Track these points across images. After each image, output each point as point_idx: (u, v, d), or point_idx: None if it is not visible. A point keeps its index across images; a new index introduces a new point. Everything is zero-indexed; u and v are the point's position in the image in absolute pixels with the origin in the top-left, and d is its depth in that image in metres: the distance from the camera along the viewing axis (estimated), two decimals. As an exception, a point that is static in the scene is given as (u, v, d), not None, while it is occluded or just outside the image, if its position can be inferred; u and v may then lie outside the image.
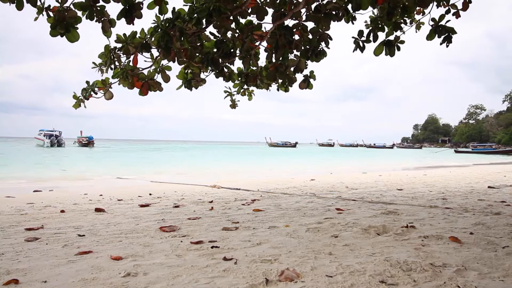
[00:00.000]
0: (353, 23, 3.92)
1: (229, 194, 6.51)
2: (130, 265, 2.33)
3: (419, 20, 4.47)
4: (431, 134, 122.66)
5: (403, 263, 2.24)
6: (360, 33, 4.15)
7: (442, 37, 4.05)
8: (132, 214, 4.45)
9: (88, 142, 48.11)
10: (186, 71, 4.32)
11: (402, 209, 4.54)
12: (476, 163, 24.83)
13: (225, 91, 5.07)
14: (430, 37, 4.09)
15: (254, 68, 4.60)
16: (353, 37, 4.15)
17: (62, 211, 4.62)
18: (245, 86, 4.98)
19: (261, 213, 4.42)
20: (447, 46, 4.10)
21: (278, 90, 4.82)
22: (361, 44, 4.17)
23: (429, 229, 3.33)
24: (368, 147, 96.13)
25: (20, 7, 3.07)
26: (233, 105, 5.18)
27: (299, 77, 4.52)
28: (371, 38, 4.11)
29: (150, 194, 6.53)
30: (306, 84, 4.49)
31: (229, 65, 4.29)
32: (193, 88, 4.44)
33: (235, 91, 5.08)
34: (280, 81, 4.60)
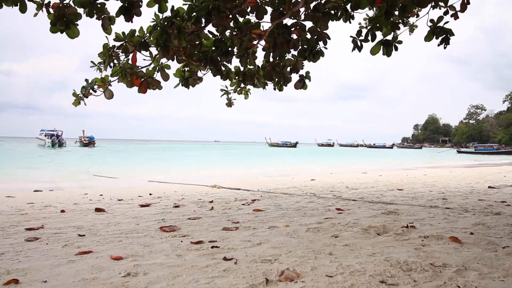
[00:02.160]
0: (350, 22, 3.92)
1: (229, 194, 6.51)
2: (130, 265, 2.33)
3: (413, 23, 4.47)
4: (431, 134, 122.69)
5: (403, 263, 2.24)
6: (359, 32, 4.15)
7: (440, 38, 4.05)
8: (132, 214, 4.45)
9: (89, 142, 48.13)
10: (183, 69, 4.33)
11: (402, 209, 4.54)
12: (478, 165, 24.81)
13: (222, 90, 5.08)
14: (428, 38, 4.09)
15: (251, 67, 4.60)
16: (351, 36, 4.15)
17: (62, 211, 4.62)
18: (242, 85, 4.99)
19: (261, 213, 4.42)
20: (445, 47, 4.10)
21: (274, 89, 4.83)
22: (359, 43, 4.17)
23: (429, 229, 3.32)
24: (368, 147, 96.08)
25: (23, 9, 3.06)
26: (229, 103, 5.19)
27: (295, 77, 4.53)
28: (369, 38, 4.11)
29: (150, 194, 6.53)
30: (301, 84, 4.49)
31: (226, 63, 4.29)
32: (190, 87, 4.44)
33: (231, 89, 5.09)
34: (276, 80, 4.60)
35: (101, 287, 1.96)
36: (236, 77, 4.78)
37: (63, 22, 3.16)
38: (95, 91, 3.94)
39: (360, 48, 4.18)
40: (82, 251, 2.67)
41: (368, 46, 4.23)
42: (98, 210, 4.69)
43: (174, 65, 4.12)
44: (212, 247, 2.75)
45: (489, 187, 7.63)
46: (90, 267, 2.29)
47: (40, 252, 2.68)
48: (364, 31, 4.16)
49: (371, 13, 4.17)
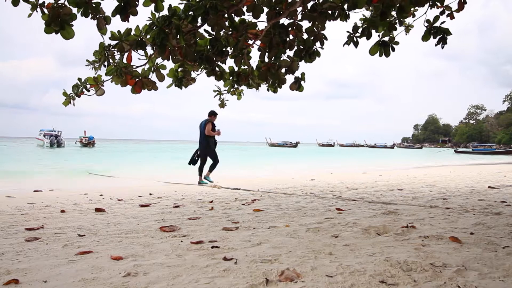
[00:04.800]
0: (346, 21, 3.93)
1: (229, 194, 6.51)
2: (130, 265, 2.33)
3: (409, 23, 4.48)
4: (431, 134, 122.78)
5: (403, 263, 2.24)
6: (355, 28, 4.16)
7: (437, 38, 4.06)
8: (133, 214, 4.45)
9: (88, 142, 48.22)
10: (177, 69, 4.33)
11: (402, 209, 4.54)
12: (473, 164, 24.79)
13: (215, 91, 5.08)
14: (425, 38, 4.09)
15: (246, 67, 4.59)
16: (347, 32, 4.16)
17: (62, 211, 4.62)
18: (236, 86, 4.99)
19: (261, 213, 4.42)
20: (442, 47, 4.10)
21: (268, 90, 4.82)
22: (355, 39, 4.17)
23: (429, 229, 3.32)
24: (369, 147, 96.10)
25: (16, 3, 3.04)
26: (222, 104, 5.20)
27: (289, 77, 4.53)
28: (365, 34, 4.12)
29: (150, 194, 6.54)
30: (297, 86, 4.49)
31: (221, 64, 4.28)
32: (184, 87, 4.44)
33: (225, 90, 5.08)
34: (270, 81, 4.60)
35: (101, 287, 1.96)
36: (230, 78, 4.77)
37: (58, 23, 3.13)
38: (88, 90, 3.93)
39: (356, 44, 4.19)
40: (82, 251, 2.67)
41: (365, 45, 4.25)
42: (98, 210, 4.69)
43: (168, 65, 4.12)
44: (212, 247, 2.75)
45: (489, 187, 7.63)
46: (90, 267, 2.29)
47: (40, 252, 2.68)
48: (361, 28, 4.17)
49: (367, 13, 4.18)
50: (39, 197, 6.23)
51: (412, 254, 2.48)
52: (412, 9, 4.21)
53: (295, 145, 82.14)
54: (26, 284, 2.01)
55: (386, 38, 4.21)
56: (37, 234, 3.27)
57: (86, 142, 48.38)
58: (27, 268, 2.28)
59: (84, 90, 3.89)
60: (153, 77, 4.01)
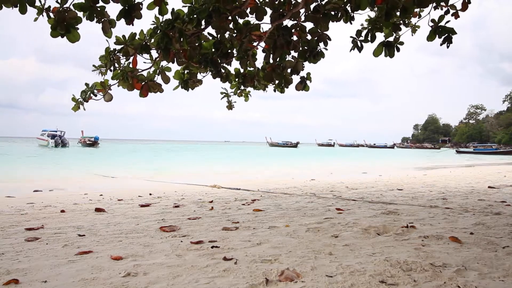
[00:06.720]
0: (351, 23, 3.93)
1: (229, 194, 6.51)
2: (130, 265, 2.33)
3: (415, 23, 4.48)
4: (431, 134, 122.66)
5: (403, 263, 2.24)
6: (358, 32, 4.16)
7: (442, 37, 4.05)
8: (132, 214, 4.45)
9: (93, 142, 48.54)
10: (183, 71, 4.33)
11: (402, 209, 4.54)
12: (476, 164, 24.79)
13: (222, 93, 5.07)
14: (430, 38, 4.09)
15: (251, 68, 4.60)
16: (351, 37, 4.16)
17: (62, 211, 4.62)
18: (242, 87, 4.99)
19: (261, 213, 4.42)
20: (447, 47, 4.10)
21: (274, 91, 4.82)
22: (359, 44, 4.17)
23: (429, 229, 3.33)
24: (369, 147, 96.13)
25: (23, 11, 3.06)
26: (230, 106, 5.19)
27: (295, 78, 4.53)
28: (369, 38, 4.12)
29: (150, 194, 6.54)
30: (302, 85, 4.49)
31: (226, 65, 4.28)
32: (190, 89, 4.44)
33: (231, 92, 5.08)
34: (276, 82, 4.60)
35: (101, 287, 1.97)
36: (236, 79, 4.77)
37: (64, 27, 3.16)
38: (96, 95, 3.95)
39: (360, 49, 4.19)
40: (82, 251, 2.67)
41: (367, 45, 4.24)
42: (98, 210, 4.69)
43: (174, 67, 4.13)
44: (212, 247, 2.75)
45: (489, 187, 7.63)
46: (90, 267, 2.29)
47: (40, 252, 2.68)
48: (364, 31, 4.17)
49: (372, 14, 4.18)
50: (39, 197, 6.23)
51: (412, 254, 2.48)
52: (416, 10, 4.20)
53: (295, 145, 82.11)
54: (26, 284, 2.01)
55: (391, 39, 4.20)
56: (37, 234, 3.27)
57: (91, 142, 48.56)
58: (27, 268, 2.28)
59: (91, 95, 3.90)
60: (158, 79, 4.02)
